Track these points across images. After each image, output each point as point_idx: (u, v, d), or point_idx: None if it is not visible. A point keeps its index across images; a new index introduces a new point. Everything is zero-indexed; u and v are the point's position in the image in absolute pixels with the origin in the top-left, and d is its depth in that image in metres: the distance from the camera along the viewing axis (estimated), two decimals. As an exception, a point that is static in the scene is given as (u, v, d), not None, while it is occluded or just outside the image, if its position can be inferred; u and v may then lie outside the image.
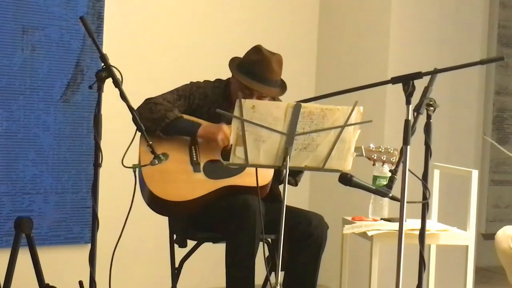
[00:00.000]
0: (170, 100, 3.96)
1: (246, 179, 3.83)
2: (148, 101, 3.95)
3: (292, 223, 3.78)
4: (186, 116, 3.95)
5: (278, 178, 3.92)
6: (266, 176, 3.83)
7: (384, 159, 4.03)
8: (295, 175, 4.06)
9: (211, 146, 3.92)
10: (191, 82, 4.08)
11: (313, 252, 3.90)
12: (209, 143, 3.91)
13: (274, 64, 3.93)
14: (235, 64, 4.01)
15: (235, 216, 3.75)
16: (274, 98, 3.99)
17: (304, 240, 3.88)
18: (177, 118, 3.91)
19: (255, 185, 3.62)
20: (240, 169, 3.87)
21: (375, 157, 4.04)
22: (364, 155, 4.02)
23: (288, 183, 4.02)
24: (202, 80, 4.10)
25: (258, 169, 3.62)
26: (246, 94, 3.88)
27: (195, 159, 3.93)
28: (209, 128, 3.90)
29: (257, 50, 3.98)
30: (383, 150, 4.05)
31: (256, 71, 3.91)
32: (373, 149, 4.05)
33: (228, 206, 3.79)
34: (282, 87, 3.99)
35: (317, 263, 3.93)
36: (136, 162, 3.67)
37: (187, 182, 3.88)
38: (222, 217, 3.80)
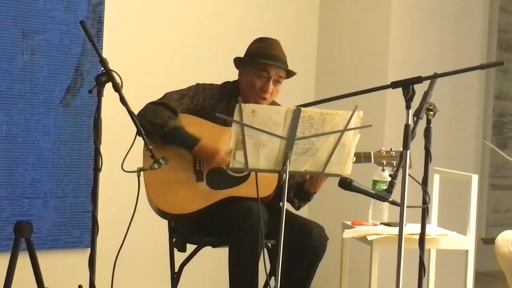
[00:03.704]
0: (174, 100, 3.96)
1: (248, 189, 3.83)
2: (160, 100, 3.95)
3: (292, 231, 3.76)
4: (188, 127, 3.93)
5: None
6: (268, 187, 3.83)
7: (394, 164, 4.01)
8: (301, 200, 4.08)
9: None
10: (197, 84, 4.08)
11: (309, 262, 3.91)
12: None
13: (279, 44, 4.03)
14: (244, 57, 4.05)
15: (238, 223, 3.75)
16: (288, 73, 4.02)
17: (303, 250, 3.88)
18: (177, 129, 3.90)
19: (256, 196, 3.64)
20: (243, 178, 3.88)
21: (384, 163, 4.03)
22: (373, 161, 4.01)
23: (291, 204, 4.05)
24: (205, 82, 4.11)
25: (261, 180, 3.65)
26: (264, 79, 3.96)
27: (198, 167, 3.92)
28: (205, 149, 3.89)
29: (260, 38, 4.08)
30: (394, 154, 4.03)
31: (268, 52, 3.98)
32: (384, 154, 4.02)
33: (231, 212, 3.79)
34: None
35: (312, 273, 3.93)
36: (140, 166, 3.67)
37: (189, 193, 3.88)
38: (225, 223, 3.80)
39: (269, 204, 3.86)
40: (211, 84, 4.09)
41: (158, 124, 3.87)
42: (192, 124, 3.94)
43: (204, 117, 3.98)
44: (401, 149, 3.93)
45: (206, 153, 3.88)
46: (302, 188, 4.03)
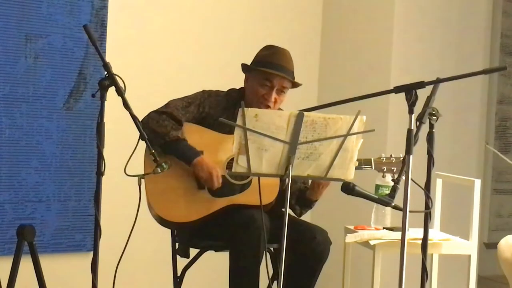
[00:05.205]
0: (180, 108, 3.94)
1: (250, 196, 3.82)
2: (164, 109, 3.92)
3: (296, 236, 3.76)
4: (188, 135, 3.90)
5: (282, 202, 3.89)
6: (270, 195, 3.83)
7: (395, 170, 4.02)
8: (303, 208, 4.08)
9: (217, 160, 3.91)
10: (203, 90, 4.07)
11: (312, 266, 3.90)
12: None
13: (287, 54, 4.00)
14: (250, 64, 4.02)
15: (240, 232, 3.74)
16: (293, 84, 4.00)
17: (306, 254, 3.87)
18: (178, 140, 3.88)
19: (258, 203, 3.63)
20: (244, 186, 3.87)
21: (384, 169, 4.03)
22: (373, 168, 4.01)
23: (292, 210, 4.05)
24: (208, 88, 4.10)
25: (263, 187, 3.65)
26: (267, 88, 3.93)
27: None
28: (202, 166, 3.84)
29: (268, 46, 4.05)
30: (394, 160, 4.03)
31: (273, 61, 3.94)
32: (384, 161, 4.03)
33: (233, 221, 3.78)
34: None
35: (314, 277, 3.92)
36: (141, 172, 3.67)
37: (191, 202, 3.87)
38: (227, 231, 3.80)
39: (271, 209, 3.85)
40: (217, 91, 4.07)
41: (160, 134, 3.85)
42: (192, 133, 3.92)
43: (209, 125, 3.96)
44: (401, 156, 3.98)
45: (202, 170, 3.84)
46: (304, 195, 4.02)
